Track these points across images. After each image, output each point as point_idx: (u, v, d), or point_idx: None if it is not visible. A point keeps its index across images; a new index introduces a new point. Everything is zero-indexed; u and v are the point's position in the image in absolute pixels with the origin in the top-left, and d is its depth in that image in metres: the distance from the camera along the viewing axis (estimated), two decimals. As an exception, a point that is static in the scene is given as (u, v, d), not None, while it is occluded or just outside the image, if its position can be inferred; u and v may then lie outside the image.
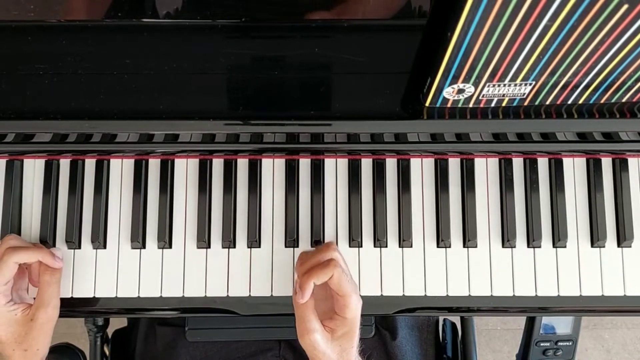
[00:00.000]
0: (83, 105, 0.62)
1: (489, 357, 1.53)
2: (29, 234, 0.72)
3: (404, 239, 0.71)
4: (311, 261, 0.64)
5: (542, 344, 0.82)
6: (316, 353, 0.63)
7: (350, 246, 0.72)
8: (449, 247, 0.72)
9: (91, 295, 0.70)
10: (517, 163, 0.73)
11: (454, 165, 0.73)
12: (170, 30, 0.60)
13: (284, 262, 0.71)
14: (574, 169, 0.73)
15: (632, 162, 0.74)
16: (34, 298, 0.67)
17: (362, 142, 0.66)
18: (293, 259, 0.71)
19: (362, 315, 0.72)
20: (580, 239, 0.72)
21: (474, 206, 0.72)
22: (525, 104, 0.61)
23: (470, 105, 0.61)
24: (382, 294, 0.71)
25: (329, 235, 0.72)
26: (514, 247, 0.72)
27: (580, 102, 0.60)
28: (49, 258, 0.66)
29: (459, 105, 0.61)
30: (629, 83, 0.57)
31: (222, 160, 0.73)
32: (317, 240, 0.72)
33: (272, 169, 0.73)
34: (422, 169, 0.73)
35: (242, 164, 0.73)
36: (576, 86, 0.57)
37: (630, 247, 0.72)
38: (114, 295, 0.71)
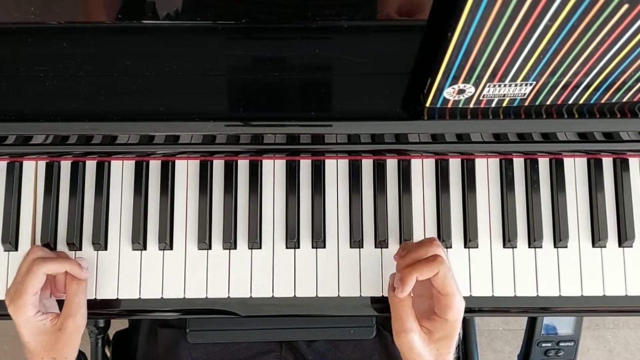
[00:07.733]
0: (84, 107, 0.62)
1: (490, 358, 1.53)
2: (30, 236, 0.72)
3: (405, 240, 0.71)
4: (413, 255, 0.60)
5: (543, 345, 0.82)
6: (412, 355, 0.59)
7: (351, 247, 0.72)
8: (450, 247, 0.72)
9: (92, 297, 0.70)
10: (518, 163, 0.73)
11: (454, 165, 0.73)
12: (170, 32, 0.60)
13: (285, 263, 0.71)
14: (575, 169, 0.73)
15: (633, 162, 0.73)
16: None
17: (362, 143, 0.66)
18: (294, 260, 0.71)
19: (362, 316, 0.71)
20: (582, 239, 0.72)
21: (475, 207, 0.72)
22: (526, 104, 0.61)
23: (471, 105, 0.61)
24: (383, 295, 0.71)
25: (330, 236, 0.72)
26: (515, 247, 0.72)
27: (581, 102, 0.60)
28: (76, 269, 0.66)
29: (460, 106, 0.61)
30: (630, 83, 0.57)
31: (222, 161, 0.72)
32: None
33: (273, 170, 0.73)
34: (422, 170, 0.73)
35: (243, 165, 0.73)
36: (577, 86, 0.57)
37: (631, 247, 0.72)
38: (115, 297, 0.71)
